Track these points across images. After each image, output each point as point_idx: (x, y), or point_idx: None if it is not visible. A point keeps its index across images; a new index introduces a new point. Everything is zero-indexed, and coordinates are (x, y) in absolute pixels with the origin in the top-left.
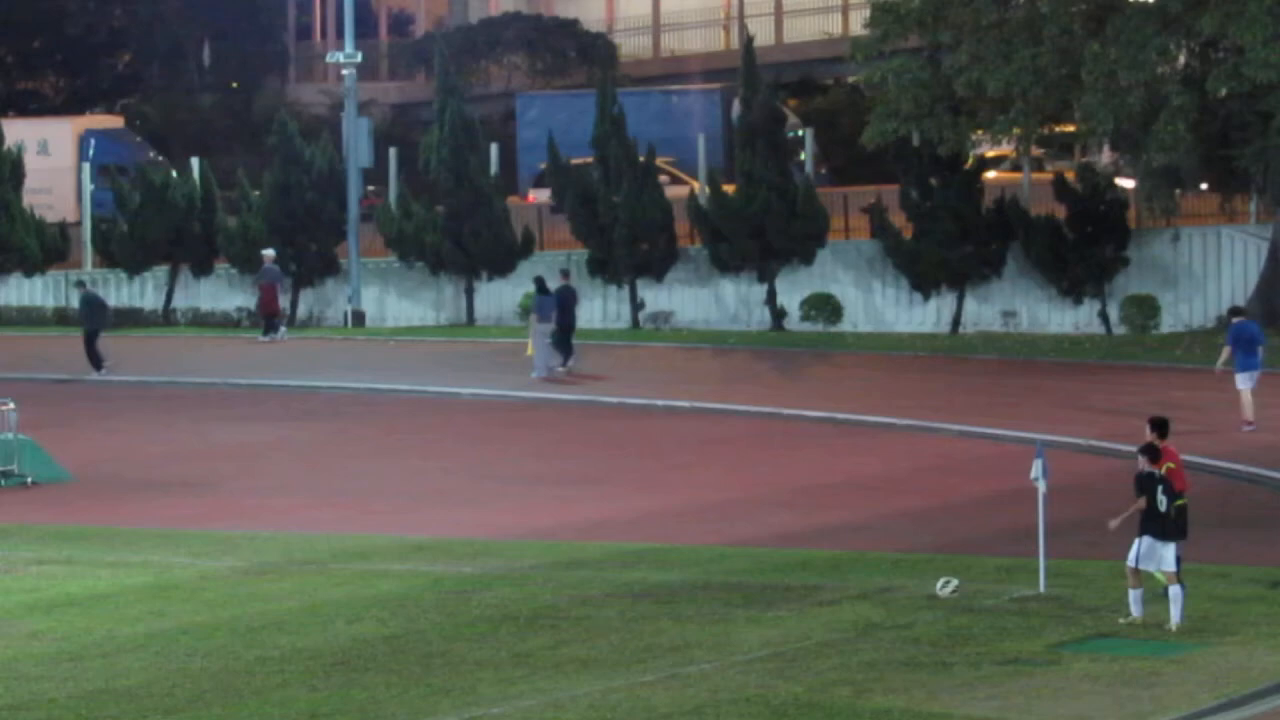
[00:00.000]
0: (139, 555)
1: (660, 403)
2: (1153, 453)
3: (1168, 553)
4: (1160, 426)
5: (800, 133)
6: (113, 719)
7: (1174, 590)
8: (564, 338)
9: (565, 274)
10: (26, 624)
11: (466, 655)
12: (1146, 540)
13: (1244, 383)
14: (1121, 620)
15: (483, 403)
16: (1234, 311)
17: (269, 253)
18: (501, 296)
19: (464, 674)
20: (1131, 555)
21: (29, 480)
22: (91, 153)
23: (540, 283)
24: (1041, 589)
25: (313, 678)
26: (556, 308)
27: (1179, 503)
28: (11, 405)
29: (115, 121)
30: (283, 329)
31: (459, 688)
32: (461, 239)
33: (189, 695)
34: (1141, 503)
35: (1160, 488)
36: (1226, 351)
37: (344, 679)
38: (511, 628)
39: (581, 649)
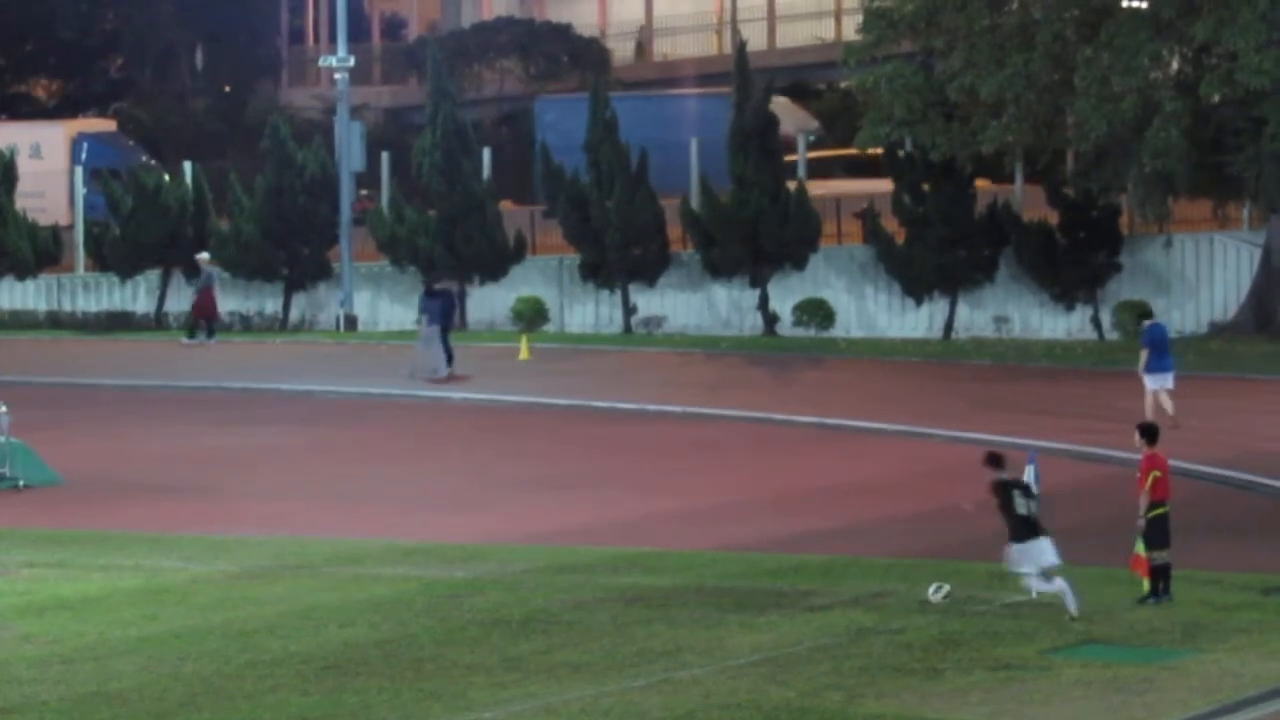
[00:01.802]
0: (131, 559)
1: (652, 407)
2: (997, 461)
3: (1044, 544)
4: (1149, 433)
5: (813, 137)
6: None
7: (1058, 582)
8: (443, 338)
9: (440, 280)
10: (18, 627)
11: (458, 659)
12: (1017, 545)
13: (1154, 383)
14: (1071, 620)
15: (475, 406)
16: (1144, 315)
17: (205, 256)
18: (494, 301)
19: (456, 678)
20: (1010, 562)
21: (20, 484)
22: (84, 156)
23: (428, 286)
24: (1034, 594)
25: (304, 682)
26: (443, 311)
27: (1160, 511)
28: (3, 408)
29: (108, 125)
30: (215, 335)
31: (450, 692)
32: (454, 243)
33: (180, 699)
34: (1011, 509)
35: (1017, 491)
36: (1146, 355)
37: (336, 683)
38: (503, 632)
39: (573, 653)
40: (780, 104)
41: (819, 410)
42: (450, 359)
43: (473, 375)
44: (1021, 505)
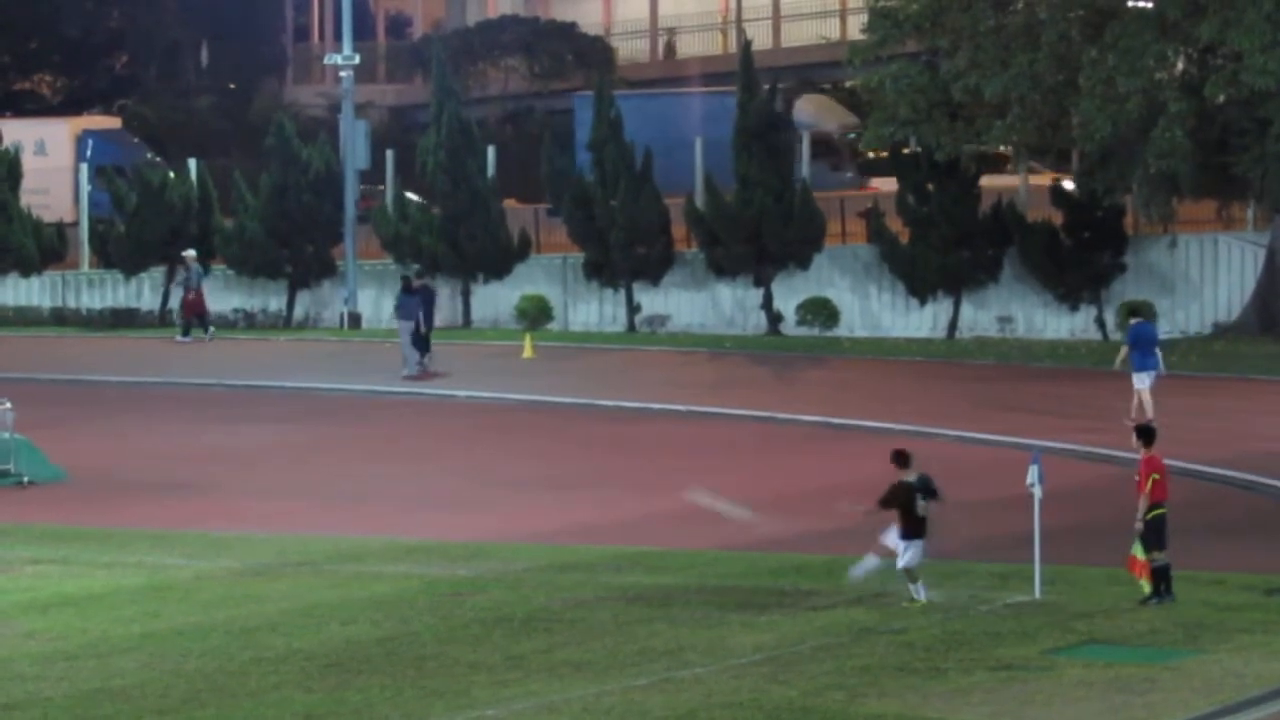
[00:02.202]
0: (134, 556)
1: (656, 406)
2: (903, 459)
3: (921, 546)
4: (1146, 434)
5: (852, 135)
6: (107, 719)
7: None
8: (422, 335)
9: (421, 276)
10: (22, 623)
11: (460, 658)
12: (905, 541)
13: (1140, 382)
14: (909, 604)
15: (478, 405)
16: (1132, 313)
17: (191, 253)
18: (498, 299)
19: (458, 676)
20: (903, 560)
21: (25, 480)
22: (89, 153)
23: (406, 282)
24: (1037, 595)
25: (307, 679)
26: (419, 308)
27: (1158, 512)
28: (8, 405)
29: (113, 122)
30: (212, 330)
31: (453, 690)
32: (458, 242)
33: (183, 696)
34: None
35: (919, 494)
36: (1124, 351)
37: (338, 680)
38: (505, 630)
39: (575, 652)
40: (820, 101)
41: (822, 410)
42: (424, 353)
43: (449, 373)
44: (921, 509)
